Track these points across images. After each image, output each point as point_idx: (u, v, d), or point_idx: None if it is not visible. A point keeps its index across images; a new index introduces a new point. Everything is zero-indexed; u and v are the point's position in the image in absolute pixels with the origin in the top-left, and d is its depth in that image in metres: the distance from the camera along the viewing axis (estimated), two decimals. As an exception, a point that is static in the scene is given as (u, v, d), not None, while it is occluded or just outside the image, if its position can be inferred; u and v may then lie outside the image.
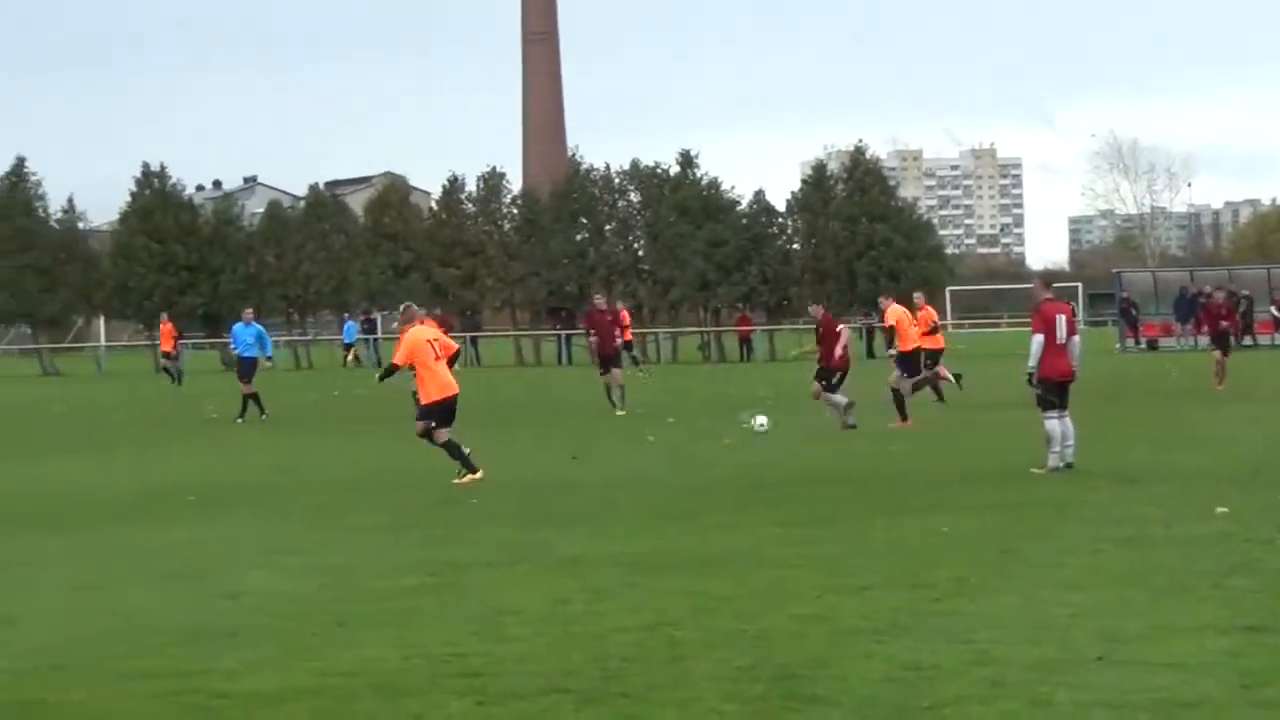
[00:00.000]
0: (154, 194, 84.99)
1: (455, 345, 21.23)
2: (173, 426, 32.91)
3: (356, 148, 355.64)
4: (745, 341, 69.73)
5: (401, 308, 21.65)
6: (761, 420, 26.23)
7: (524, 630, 10.48)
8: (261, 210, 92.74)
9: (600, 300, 36.91)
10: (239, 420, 31.96)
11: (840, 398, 26.37)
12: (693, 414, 31.83)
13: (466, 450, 19.69)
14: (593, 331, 35.36)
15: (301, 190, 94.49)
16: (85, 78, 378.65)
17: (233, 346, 34.40)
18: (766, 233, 74.36)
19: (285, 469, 22.68)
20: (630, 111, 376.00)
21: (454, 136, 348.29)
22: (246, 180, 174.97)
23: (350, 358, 59.81)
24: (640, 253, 76.30)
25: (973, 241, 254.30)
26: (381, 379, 21.00)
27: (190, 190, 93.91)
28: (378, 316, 79.04)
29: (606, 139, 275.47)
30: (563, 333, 72.02)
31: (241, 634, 10.54)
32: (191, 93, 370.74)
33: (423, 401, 20.03)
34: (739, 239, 72.45)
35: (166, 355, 55.13)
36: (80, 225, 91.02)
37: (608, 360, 33.07)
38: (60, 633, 10.74)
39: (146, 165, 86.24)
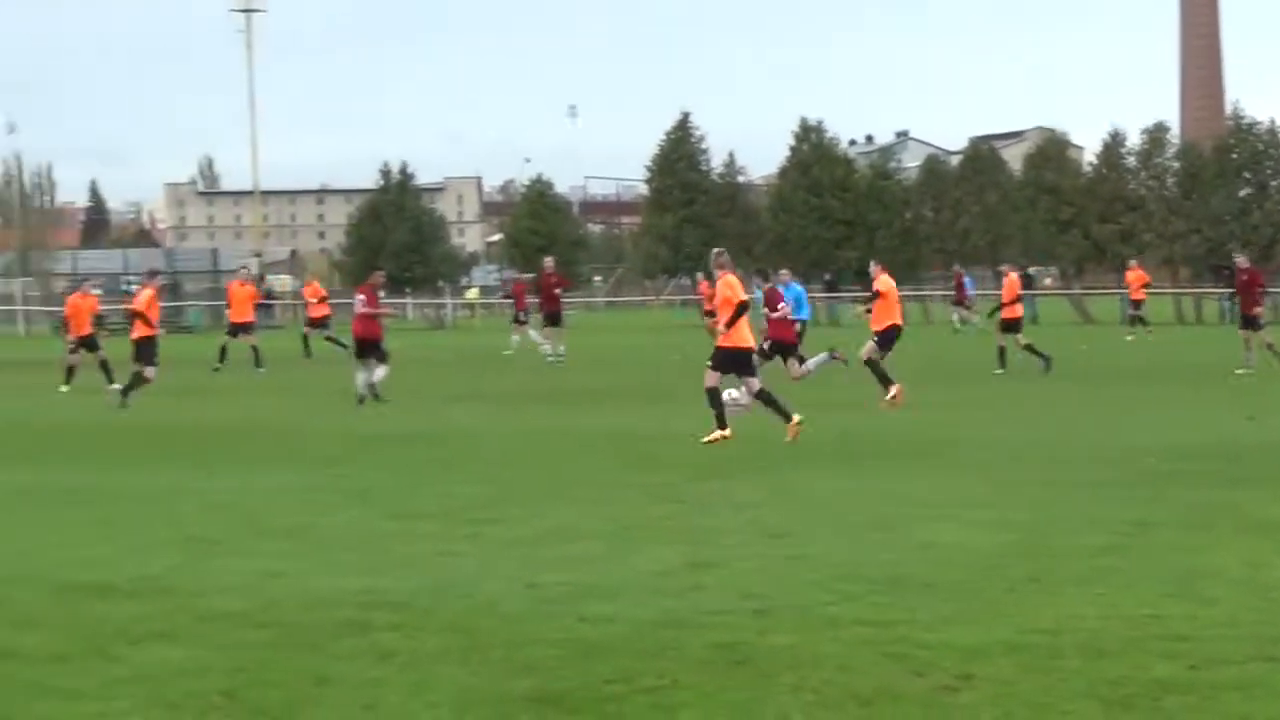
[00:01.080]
0: (811, 148, 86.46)
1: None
2: (841, 376, 33.34)
3: (1006, 102, 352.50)
4: None
5: (714, 253, 21.55)
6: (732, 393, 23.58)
7: (1223, 593, 10.10)
8: (915, 164, 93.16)
9: (1241, 260, 35.62)
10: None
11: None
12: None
13: (729, 407, 19.91)
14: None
15: (951, 144, 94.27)
16: (751, 35, 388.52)
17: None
18: None
19: (953, 424, 22.63)
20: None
21: (1105, 91, 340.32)
22: (898, 135, 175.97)
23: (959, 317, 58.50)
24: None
25: None
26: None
27: (844, 144, 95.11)
28: (1034, 271, 78.20)
29: (1269, 92, 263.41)
30: (1225, 291, 69.59)
31: (937, 586, 10.52)
32: (846, 46, 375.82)
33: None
34: None
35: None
36: (740, 179, 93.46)
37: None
38: (759, 578, 10.95)
39: (804, 120, 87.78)
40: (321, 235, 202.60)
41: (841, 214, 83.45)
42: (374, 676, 8.51)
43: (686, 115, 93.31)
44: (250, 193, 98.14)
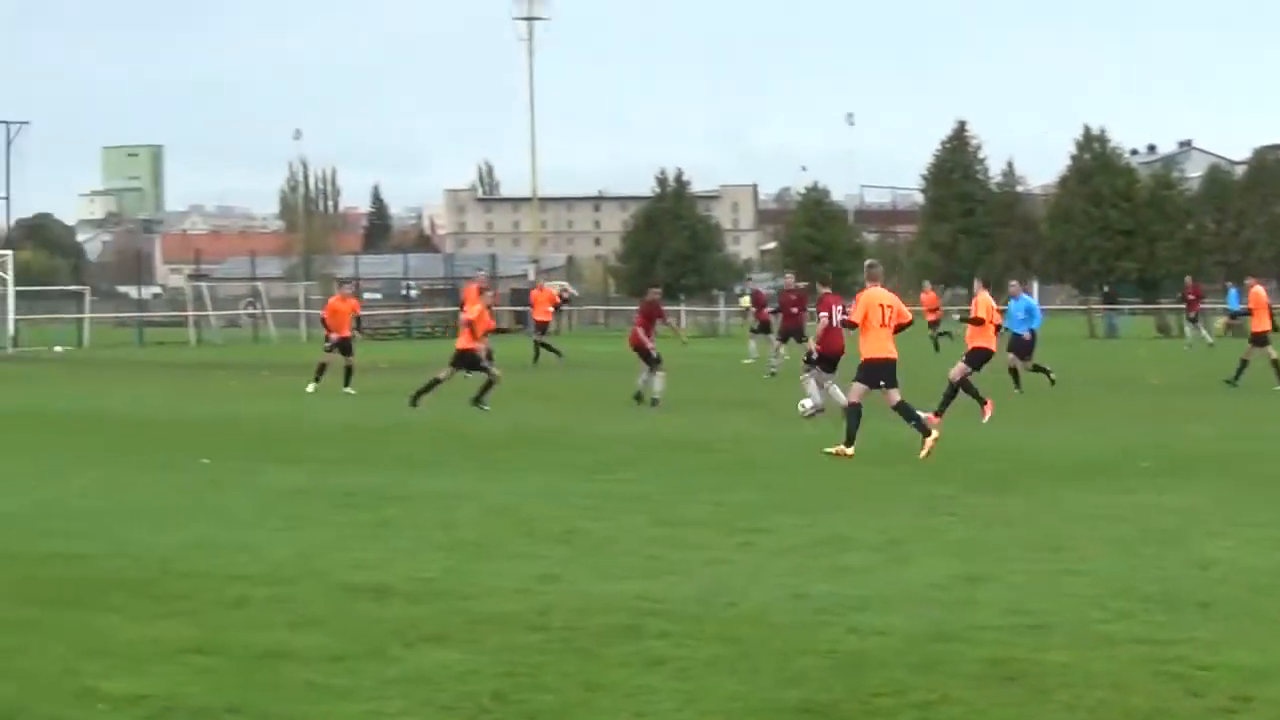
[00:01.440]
0: (1093, 157, 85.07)
1: (908, 316, 21.00)
2: (1112, 388, 32.76)
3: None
4: None
5: (867, 264, 21.78)
6: (806, 403, 25.54)
7: None
8: (1197, 175, 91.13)
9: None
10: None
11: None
12: None
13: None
14: None
15: (1235, 154, 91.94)
16: (1027, 41, 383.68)
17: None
18: None
19: (1236, 437, 22.07)
20: None
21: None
22: (1181, 144, 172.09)
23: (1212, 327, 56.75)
24: None
25: None
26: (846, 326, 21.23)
27: (1126, 154, 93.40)
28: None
29: None
30: None
31: (1214, 605, 10.27)
32: (1128, 54, 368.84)
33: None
34: None
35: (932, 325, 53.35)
36: (1019, 188, 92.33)
37: None
38: (1032, 593, 10.78)
39: (1087, 129, 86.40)
40: (597, 242, 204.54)
41: (1121, 224, 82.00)
42: (644, 684, 8.54)
43: (963, 124, 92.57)
44: (528, 199, 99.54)
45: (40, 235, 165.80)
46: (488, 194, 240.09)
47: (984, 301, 26.46)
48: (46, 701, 8.34)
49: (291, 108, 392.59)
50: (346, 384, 33.05)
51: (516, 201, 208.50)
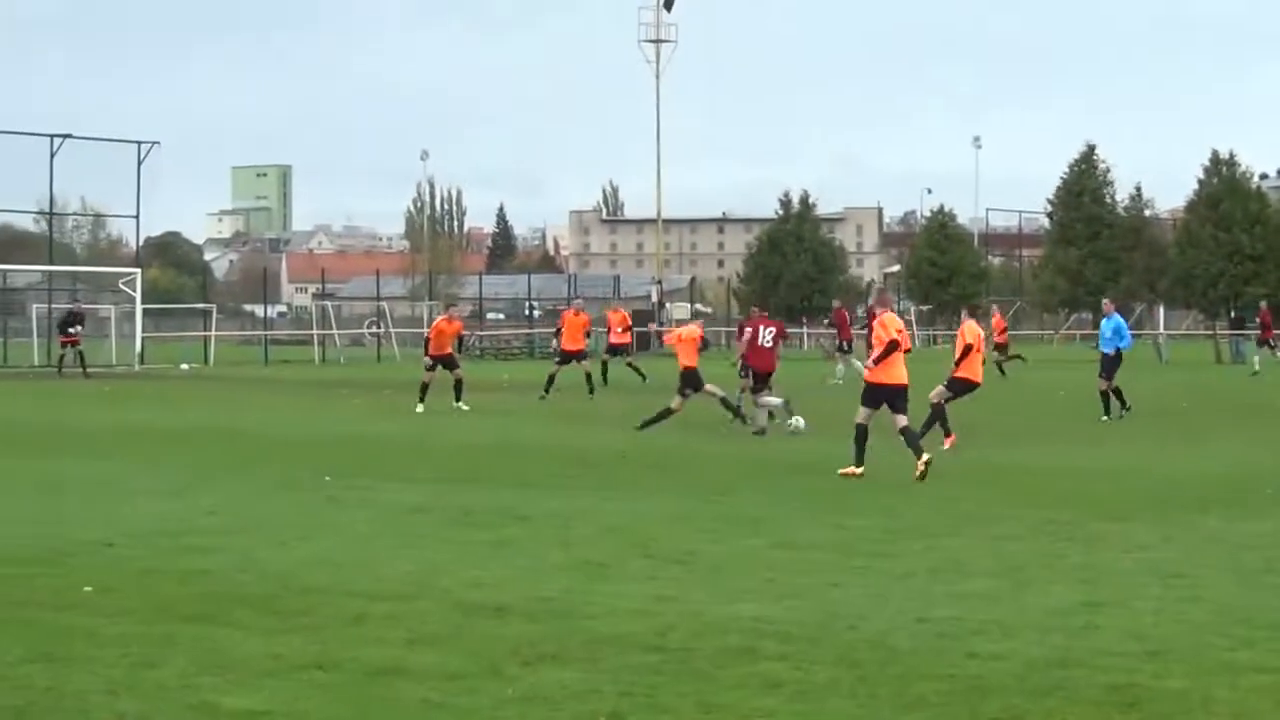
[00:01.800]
0: (1221, 182, 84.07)
1: (908, 344, 21.16)
2: (1236, 415, 32.33)
3: None
4: None
5: (876, 290, 21.64)
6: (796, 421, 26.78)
7: None
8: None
9: None
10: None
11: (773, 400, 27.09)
12: None
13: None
14: None
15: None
16: (1155, 64, 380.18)
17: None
18: None
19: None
20: None
21: None
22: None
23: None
24: None
25: None
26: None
27: (1256, 178, 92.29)
28: None
29: None
30: None
31: (1343, 635, 10.11)
32: (1260, 77, 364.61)
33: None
34: None
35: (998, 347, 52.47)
36: (1147, 212, 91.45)
37: None
38: (1153, 620, 10.67)
39: (1215, 153, 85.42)
40: (720, 264, 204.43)
41: (1251, 250, 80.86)
42: (761, 705, 8.52)
43: (1092, 148, 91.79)
44: (653, 220, 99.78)
45: (168, 254, 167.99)
46: (612, 215, 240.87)
47: (969, 330, 25.77)
48: (167, 716, 8.44)
49: (418, 129, 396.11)
50: (458, 399, 33.28)
51: (640, 223, 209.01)
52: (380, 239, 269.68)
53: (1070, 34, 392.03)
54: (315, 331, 76.05)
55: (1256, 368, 54.27)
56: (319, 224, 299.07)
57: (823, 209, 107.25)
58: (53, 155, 67.43)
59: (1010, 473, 20.63)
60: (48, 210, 74.85)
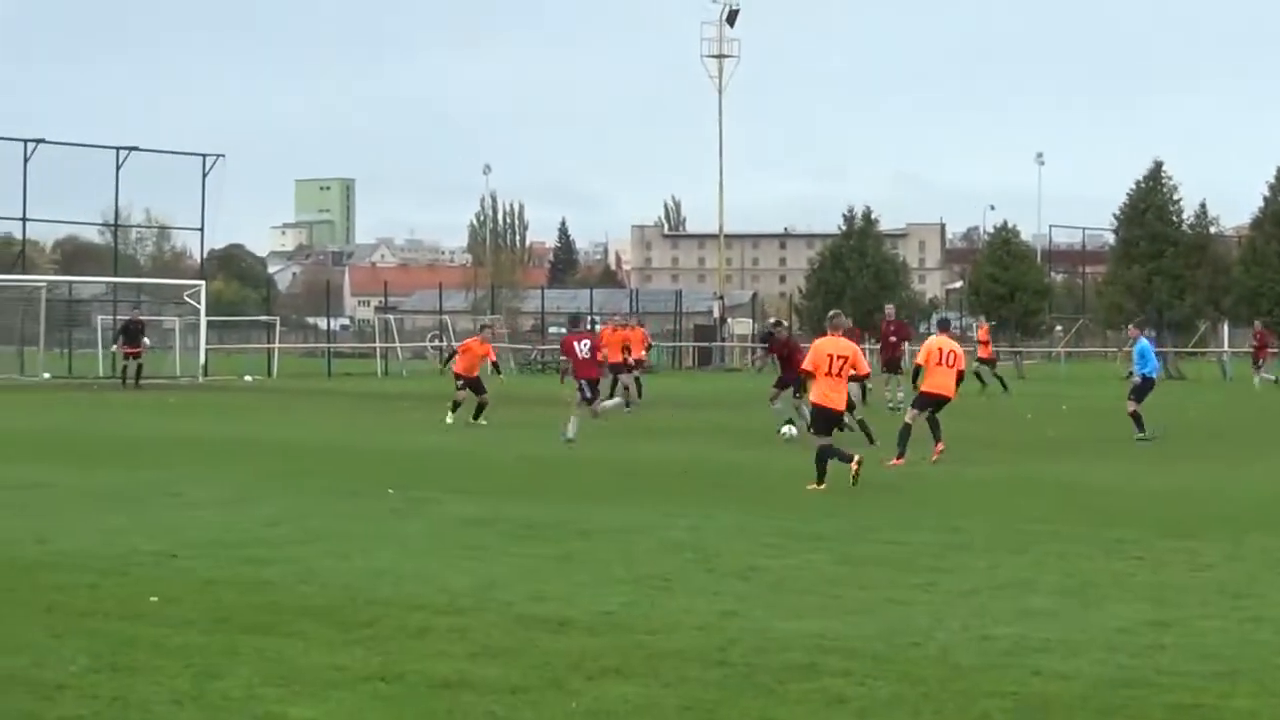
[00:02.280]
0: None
1: (865, 369, 22.22)
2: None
3: None
4: None
5: (830, 314, 22.55)
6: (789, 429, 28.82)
7: None
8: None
9: None
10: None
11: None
12: None
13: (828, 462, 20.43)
14: None
15: None
16: (1217, 80, 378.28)
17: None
18: None
19: None
20: None
21: None
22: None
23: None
24: None
25: None
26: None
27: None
28: None
29: None
30: None
31: None
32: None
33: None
34: None
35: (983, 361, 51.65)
36: (1211, 229, 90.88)
37: None
38: (1220, 639, 10.58)
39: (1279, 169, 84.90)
40: (782, 279, 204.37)
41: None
42: (823, 721, 8.49)
43: (1159, 165, 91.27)
44: (715, 236, 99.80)
45: (232, 266, 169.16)
46: (674, 230, 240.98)
47: (928, 346, 25.35)
48: (232, 725, 8.48)
49: (481, 143, 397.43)
50: (477, 417, 33.64)
51: (702, 238, 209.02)
52: (443, 253, 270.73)
53: (1137, 51, 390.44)
54: (378, 344, 76.37)
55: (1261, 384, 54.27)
56: (381, 237, 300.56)
57: (885, 225, 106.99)
58: (118, 168, 67.95)
59: (1074, 489, 20.51)
60: (113, 222, 75.46)
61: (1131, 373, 30.85)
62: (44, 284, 67.69)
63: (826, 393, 21.08)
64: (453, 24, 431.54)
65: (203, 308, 62.99)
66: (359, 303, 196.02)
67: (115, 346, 54.58)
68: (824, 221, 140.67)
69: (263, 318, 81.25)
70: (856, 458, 20.48)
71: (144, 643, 10.34)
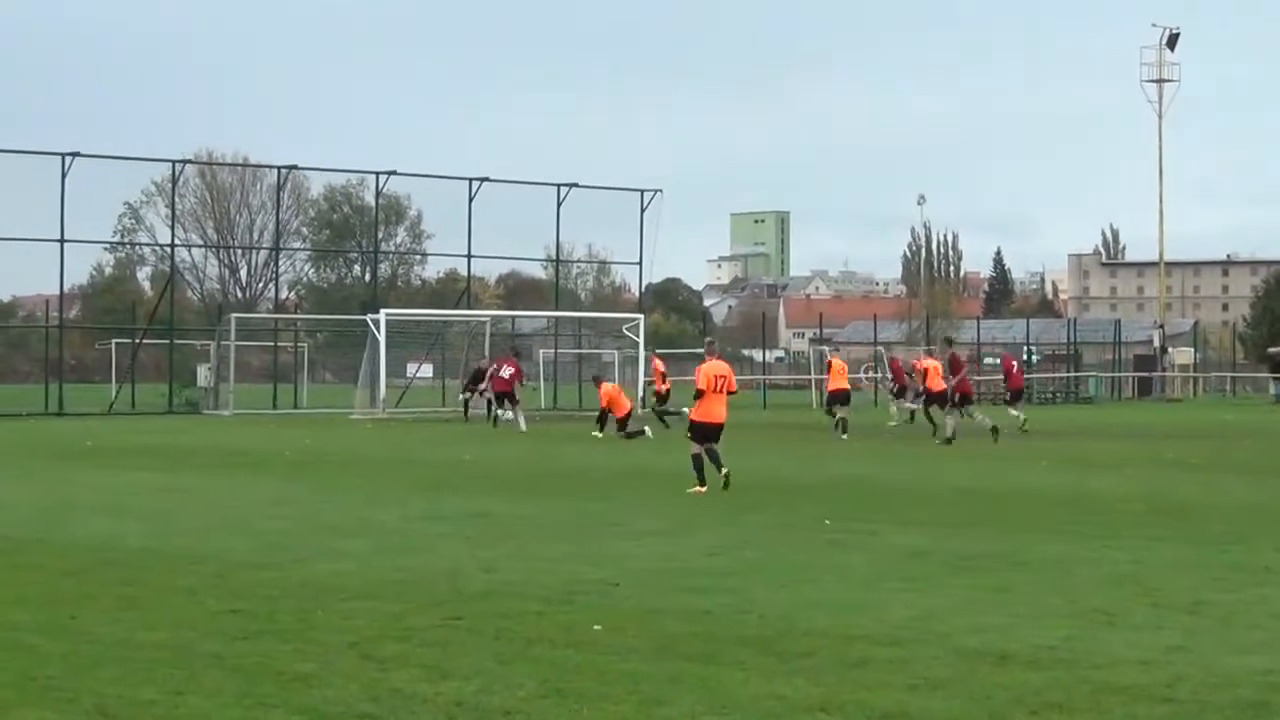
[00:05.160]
0: None
1: (735, 387, 25.21)
2: None
3: None
4: None
5: (707, 341, 27.22)
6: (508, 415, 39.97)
7: None
8: None
9: None
10: None
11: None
12: None
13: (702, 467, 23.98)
14: None
15: None
16: None
17: None
18: None
19: None
20: None
21: None
22: None
23: None
24: None
25: None
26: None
27: None
28: None
29: None
30: None
31: None
32: None
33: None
34: None
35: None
36: None
37: None
38: None
39: None
40: (1225, 307, 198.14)
41: None
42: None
43: None
44: (1154, 263, 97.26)
45: (669, 299, 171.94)
46: (1112, 258, 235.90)
47: (703, 371, 25.11)
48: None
49: (916, 174, 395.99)
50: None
51: (1141, 265, 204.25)
52: (877, 284, 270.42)
53: None
54: (812, 376, 76.65)
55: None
56: (816, 269, 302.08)
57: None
58: (559, 204, 69.92)
59: None
60: (554, 257, 77.63)
61: None
62: (488, 319, 69.93)
63: (709, 408, 24.45)
64: (888, 54, 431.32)
65: (641, 340, 64.13)
66: (794, 334, 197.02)
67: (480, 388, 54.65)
68: (1268, 247, 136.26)
69: (699, 350, 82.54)
70: (725, 470, 24.06)
71: (589, 670, 10.57)
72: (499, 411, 45.40)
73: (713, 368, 24.86)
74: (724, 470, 24.11)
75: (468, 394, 54.16)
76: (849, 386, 46.27)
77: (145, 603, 13.47)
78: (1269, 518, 20.52)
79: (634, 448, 38.21)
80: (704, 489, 23.75)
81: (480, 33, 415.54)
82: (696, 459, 24.33)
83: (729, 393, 24.96)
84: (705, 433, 24.53)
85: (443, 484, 26.44)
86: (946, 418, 38.03)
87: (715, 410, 24.58)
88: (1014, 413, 45.23)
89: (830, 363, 47.64)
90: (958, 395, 39.07)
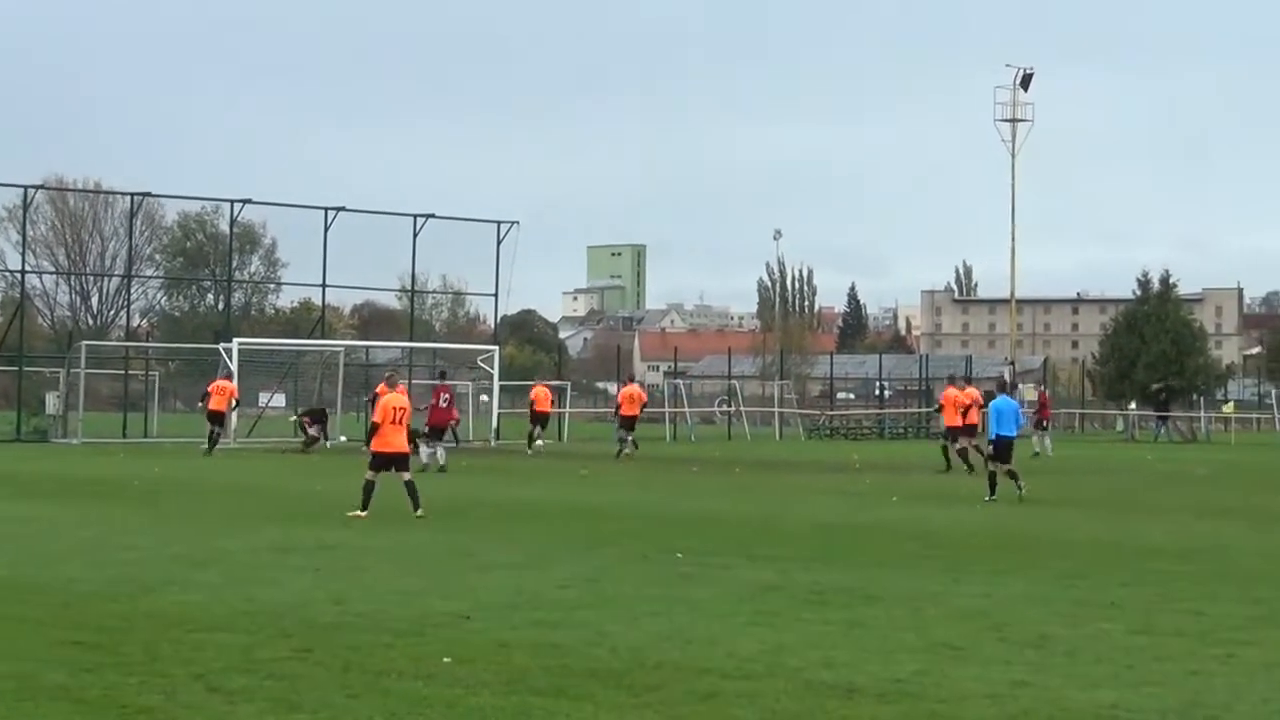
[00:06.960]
0: None
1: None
2: None
3: None
4: None
5: (386, 374, 29.93)
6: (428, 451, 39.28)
7: None
8: None
9: None
10: None
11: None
12: None
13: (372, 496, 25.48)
14: None
15: None
16: None
17: None
18: None
19: None
20: None
21: None
22: None
23: None
24: None
25: None
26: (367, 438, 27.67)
27: None
28: None
29: None
30: None
31: None
32: None
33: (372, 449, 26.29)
34: None
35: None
36: None
37: None
38: None
39: None
40: (1074, 344, 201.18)
41: None
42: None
43: None
44: (1005, 300, 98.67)
45: (525, 331, 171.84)
46: (964, 295, 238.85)
47: (381, 404, 26.69)
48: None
49: (770, 210, 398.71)
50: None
51: (993, 303, 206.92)
52: (732, 318, 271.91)
53: None
54: (667, 409, 76.84)
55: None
56: (671, 303, 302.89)
57: (1180, 289, 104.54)
58: (415, 234, 69.63)
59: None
60: (410, 288, 77.31)
61: None
62: (342, 348, 69.51)
63: (389, 439, 25.94)
64: (741, 94, 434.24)
65: (496, 372, 64.01)
66: (649, 367, 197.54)
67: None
68: (1117, 286, 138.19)
69: (554, 383, 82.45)
70: (419, 512, 25.12)
71: (438, 703, 10.51)
72: (425, 448, 39.68)
73: (392, 399, 26.39)
74: (419, 512, 25.28)
75: (304, 420, 54.46)
76: (638, 414, 51.41)
77: (-14, 634, 13.22)
78: (1115, 553, 20.81)
79: (486, 480, 38.06)
80: (366, 514, 25.10)
81: (338, 62, 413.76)
82: (368, 485, 25.78)
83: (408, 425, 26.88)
84: (383, 461, 25.99)
85: (294, 515, 26.20)
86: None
87: (395, 440, 26.10)
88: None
89: (625, 391, 52.64)
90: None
